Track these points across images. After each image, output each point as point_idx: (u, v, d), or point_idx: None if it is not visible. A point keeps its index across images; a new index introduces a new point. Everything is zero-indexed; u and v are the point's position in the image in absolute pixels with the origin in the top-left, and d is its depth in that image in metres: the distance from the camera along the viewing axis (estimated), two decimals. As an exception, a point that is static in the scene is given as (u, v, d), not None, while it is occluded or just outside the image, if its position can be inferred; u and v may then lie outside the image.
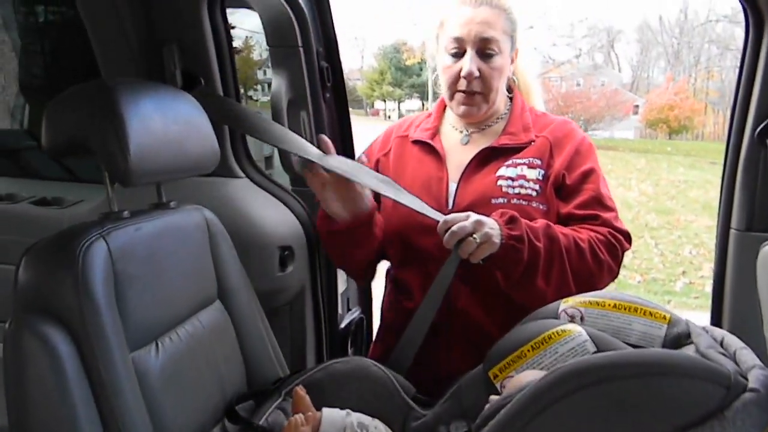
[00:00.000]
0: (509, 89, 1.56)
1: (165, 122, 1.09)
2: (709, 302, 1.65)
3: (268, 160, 2.57)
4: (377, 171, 1.52)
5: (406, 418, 1.25)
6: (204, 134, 1.21)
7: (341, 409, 1.21)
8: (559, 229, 1.36)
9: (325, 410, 1.20)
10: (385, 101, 28.92)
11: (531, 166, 1.46)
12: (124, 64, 1.50)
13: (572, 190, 1.45)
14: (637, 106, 22.56)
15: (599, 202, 1.43)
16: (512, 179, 1.45)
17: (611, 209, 1.45)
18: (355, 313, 1.97)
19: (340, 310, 1.91)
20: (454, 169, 1.49)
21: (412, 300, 1.49)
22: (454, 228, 1.28)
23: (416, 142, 1.56)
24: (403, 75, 28.23)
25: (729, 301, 1.51)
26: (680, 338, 1.10)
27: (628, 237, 1.44)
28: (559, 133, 1.49)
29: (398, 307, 1.55)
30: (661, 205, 8.81)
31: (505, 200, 1.43)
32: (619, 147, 15.51)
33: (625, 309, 1.16)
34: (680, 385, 0.83)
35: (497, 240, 1.28)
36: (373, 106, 29.73)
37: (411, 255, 1.49)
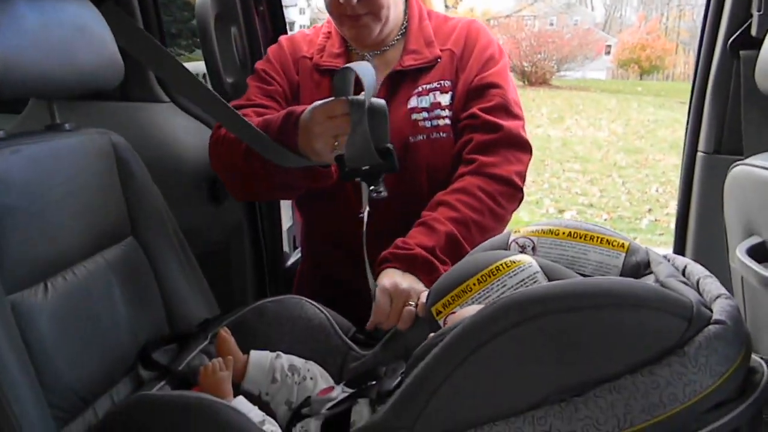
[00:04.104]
0: None
1: (45, 24, 0.92)
2: (674, 239, 1.56)
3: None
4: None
5: (344, 359, 1.16)
6: (101, 44, 1.04)
7: (272, 351, 1.11)
8: (451, 214, 1.20)
9: (253, 353, 1.11)
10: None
11: (443, 90, 1.30)
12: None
13: (479, 93, 1.29)
14: (609, 46, 22.32)
15: (505, 109, 1.29)
16: (427, 110, 1.29)
17: (517, 117, 1.30)
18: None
19: (286, 248, 1.79)
20: None
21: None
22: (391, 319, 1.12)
23: (328, 71, 1.33)
24: None
25: (693, 228, 1.42)
26: (639, 267, 1.00)
27: (528, 147, 1.30)
28: (465, 40, 1.33)
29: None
30: (630, 144, 8.78)
31: (424, 136, 1.28)
32: (591, 87, 15.38)
33: (580, 237, 1.05)
34: (633, 317, 0.72)
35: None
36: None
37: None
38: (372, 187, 1.10)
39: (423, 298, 1.10)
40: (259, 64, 1.37)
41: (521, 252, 1.08)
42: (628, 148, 8.44)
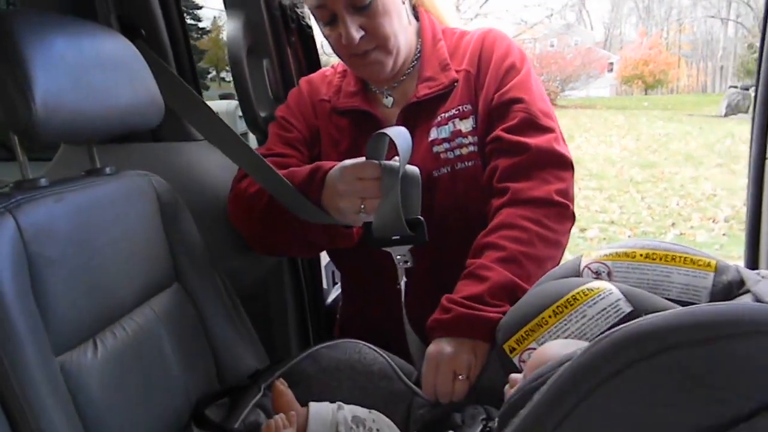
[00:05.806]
0: (416, 13, 1.28)
1: (84, 64, 0.86)
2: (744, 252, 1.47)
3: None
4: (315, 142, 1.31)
5: (409, 405, 1.07)
6: (141, 82, 0.99)
7: (332, 401, 1.03)
8: (498, 255, 1.08)
9: (312, 405, 1.02)
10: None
11: (463, 116, 1.20)
12: (48, 5, 1.25)
13: (501, 112, 1.18)
14: (611, 63, 22.46)
15: (532, 124, 1.17)
16: (448, 140, 1.20)
17: (547, 129, 1.17)
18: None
19: (325, 285, 1.72)
20: None
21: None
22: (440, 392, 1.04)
23: (346, 112, 1.27)
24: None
25: (766, 240, 1.33)
26: (731, 288, 0.92)
27: (566, 161, 1.17)
28: (480, 56, 1.22)
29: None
30: (643, 159, 8.73)
31: (448, 169, 1.19)
32: (597, 105, 15.42)
33: (660, 259, 0.97)
34: (764, 347, 0.64)
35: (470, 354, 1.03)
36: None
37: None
38: (399, 256, 1.08)
39: (476, 369, 1.02)
40: (279, 111, 1.33)
41: (596, 278, 1.00)
42: (642, 163, 8.38)
